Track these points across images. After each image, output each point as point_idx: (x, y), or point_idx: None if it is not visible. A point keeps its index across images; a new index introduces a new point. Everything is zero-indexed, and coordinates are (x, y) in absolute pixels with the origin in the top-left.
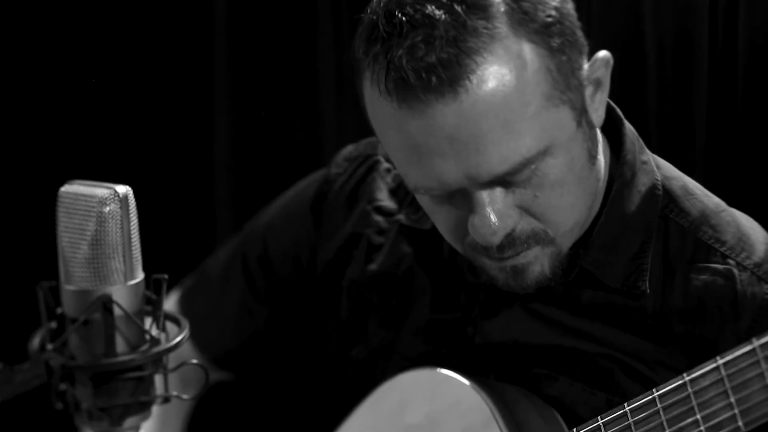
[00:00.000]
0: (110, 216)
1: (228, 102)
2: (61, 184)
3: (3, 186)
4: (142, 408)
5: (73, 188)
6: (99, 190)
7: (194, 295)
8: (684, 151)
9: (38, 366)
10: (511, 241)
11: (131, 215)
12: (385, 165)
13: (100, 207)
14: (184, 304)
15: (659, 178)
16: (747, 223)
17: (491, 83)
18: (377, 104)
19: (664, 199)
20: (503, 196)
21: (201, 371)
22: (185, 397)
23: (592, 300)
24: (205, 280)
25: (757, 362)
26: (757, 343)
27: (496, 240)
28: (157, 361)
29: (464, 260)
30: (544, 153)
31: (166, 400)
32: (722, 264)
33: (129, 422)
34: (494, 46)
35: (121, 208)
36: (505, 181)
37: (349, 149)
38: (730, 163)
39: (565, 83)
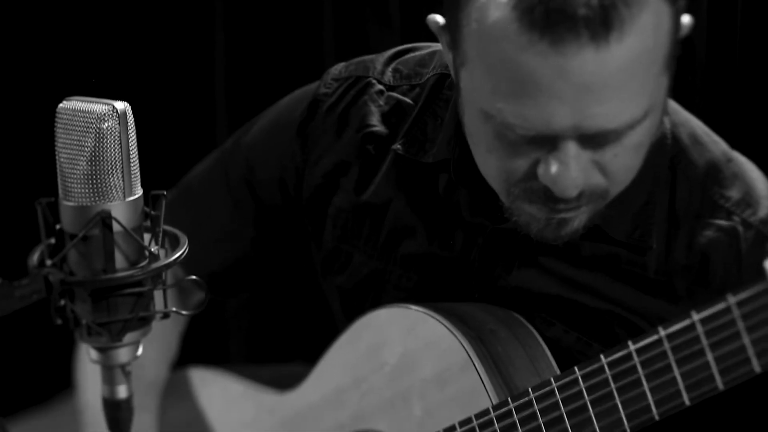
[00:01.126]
0: (108, 132)
1: (226, 13)
2: (60, 101)
3: (1, 102)
4: (142, 324)
5: (71, 104)
6: (97, 107)
7: (175, 212)
8: (683, 71)
9: (37, 281)
10: (579, 196)
11: (130, 131)
12: (378, 87)
13: (98, 123)
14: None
15: (668, 127)
16: (753, 174)
17: (637, 38)
18: (500, 28)
19: (672, 149)
20: (592, 151)
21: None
22: (185, 312)
23: (594, 252)
24: (187, 198)
25: (733, 321)
26: (732, 300)
27: (573, 193)
28: (156, 277)
29: (462, 197)
30: (644, 116)
31: (166, 315)
32: (727, 221)
33: (128, 338)
34: (644, 0)
35: (119, 124)
36: (602, 137)
37: (338, 68)
38: (730, 83)
39: (675, 47)
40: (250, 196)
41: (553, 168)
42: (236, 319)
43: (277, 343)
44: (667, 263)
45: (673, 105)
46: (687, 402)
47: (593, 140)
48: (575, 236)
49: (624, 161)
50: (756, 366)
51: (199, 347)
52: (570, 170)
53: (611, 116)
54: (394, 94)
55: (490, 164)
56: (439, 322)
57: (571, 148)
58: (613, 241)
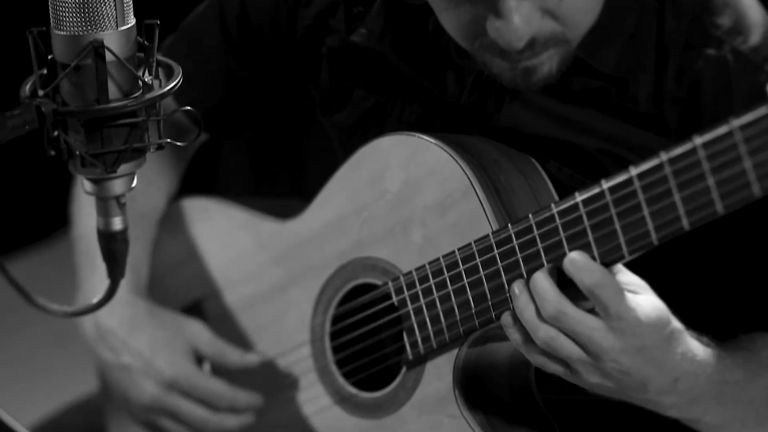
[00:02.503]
0: None
1: None
2: None
3: None
4: (136, 155)
5: None
6: None
7: (174, 55)
8: None
9: (29, 112)
10: (531, 44)
11: None
12: None
13: None
14: None
15: None
16: (745, 1)
17: None
18: None
19: None
20: (531, 1)
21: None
22: (179, 143)
23: (584, 86)
24: (184, 40)
25: (735, 145)
26: (735, 124)
27: (521, 45)
28: (150, 108)
29: (450, 40)
30: None
31: (160, 147)
32: (717, 49)
33: (123, 169)
34: None
35: None
36: None
37: None
38: None
39: None
40: (244, 37)
41: (497, 23)
42: (234, 159)
43: (275, 183)
44: (657, 95)
45: None
46: (686, 227)
47: None
48: (551, 81)
49: (573, 4)
50: (756, 190)
51: (195, 186)
52: (512, 22)
53: None
54: None
55: (446, 24)
56: (442, 149)
57: (512, 1)
58: (600, 74)
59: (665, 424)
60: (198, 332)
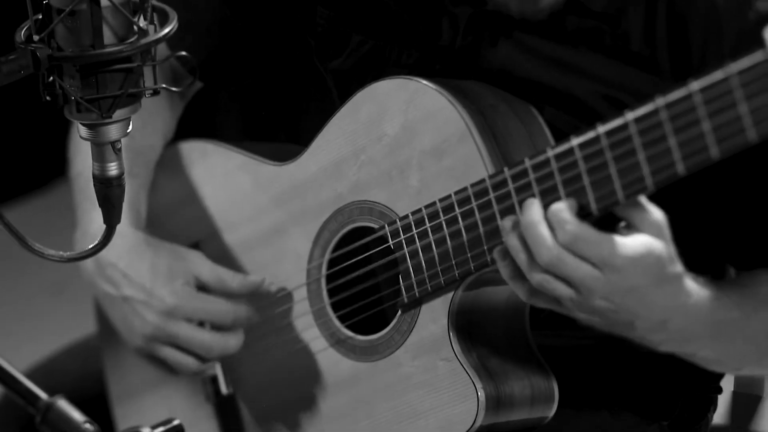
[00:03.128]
0: None
1: None
2: None
3: None
4: (132, 100)
5: None
6: None
7: (168, 1)
8: None
9: (25, 57)
10: None
11: None
12: None
13: None
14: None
15: None
16: None
17: None
18: None
19: None
20: None
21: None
22: (174, 89)
23: (577, 26)
24: None
25: (730, 91)
26: (732, 69)
27: None
28: (146, 53)
29: None
30: None
31: (155, 92)
32: None
33: (118, 114)
34: None
35: None
36: None
37: None
38: None
39: None
40: None
41: None
42: (230, 108)
43: (271, 132)
44: (649, 34)
45: None
46: (682, 172)
47: None
48: (558, 7)
49: None
50: (752, 135)
51: (192, 135)
52: None
53: None
54: None
55: None
56: (440, 93)
57: None
58: (593, 13)
59: (656, 370)
60: (198, 260)
